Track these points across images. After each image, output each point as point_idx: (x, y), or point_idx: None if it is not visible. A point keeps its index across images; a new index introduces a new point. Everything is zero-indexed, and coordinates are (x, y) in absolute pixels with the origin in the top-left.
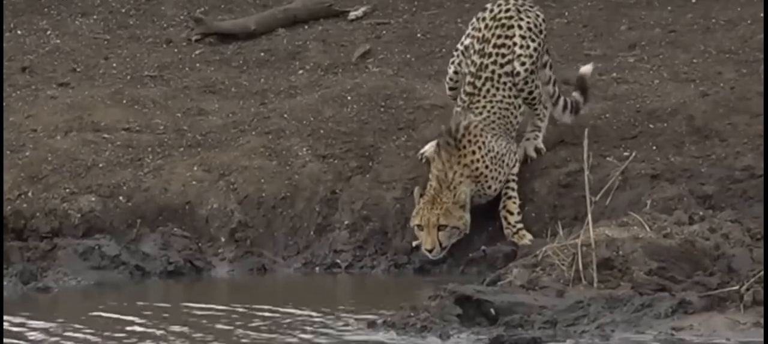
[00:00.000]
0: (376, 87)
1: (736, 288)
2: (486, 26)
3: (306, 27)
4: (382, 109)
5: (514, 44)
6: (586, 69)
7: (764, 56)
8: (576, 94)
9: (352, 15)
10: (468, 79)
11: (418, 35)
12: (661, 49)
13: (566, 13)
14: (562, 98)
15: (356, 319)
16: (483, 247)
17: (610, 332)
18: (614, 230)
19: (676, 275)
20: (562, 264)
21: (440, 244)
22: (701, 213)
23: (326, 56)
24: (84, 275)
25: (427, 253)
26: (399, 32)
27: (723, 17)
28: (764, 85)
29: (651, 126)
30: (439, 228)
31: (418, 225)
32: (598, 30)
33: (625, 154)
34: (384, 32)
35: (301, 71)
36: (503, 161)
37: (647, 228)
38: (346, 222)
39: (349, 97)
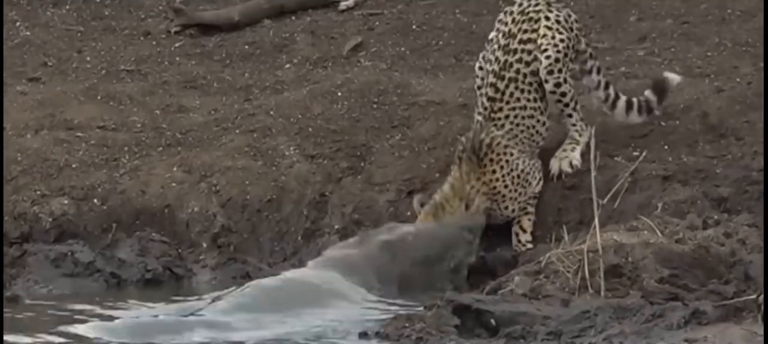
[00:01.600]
0: (368, 82)
1: (753, 297)
2: (513, 20)
3: (293, 18)
4: (374, 106)
5: (540, 35)
6: (674, 77)
7: (764, 56)
8: (649, 92)
9: (343, 5)
10: (490, 79)
11: (414, 27)
12: (673, 41)
13: (572, 4)
14: (622, 98)
15: (348, 330)
16: (482, 254)
17: None
18: (623, 235)
19: (690, 283)
20: (567, 272)
21: None
22: (716, 216)
23: (315, 49)
24: (56, 283)
25: None
26: (393, 24)
27: (739, 8)
28: (764, 84)
29: (662, 124)
30: None
31: None
32: (606, 21)
33: (635, 153)
34: (377, 23)
35: (288, 65)
36: (527, 181)
37: (658, 233)
38: (336, 227)
39: (339, 93)
